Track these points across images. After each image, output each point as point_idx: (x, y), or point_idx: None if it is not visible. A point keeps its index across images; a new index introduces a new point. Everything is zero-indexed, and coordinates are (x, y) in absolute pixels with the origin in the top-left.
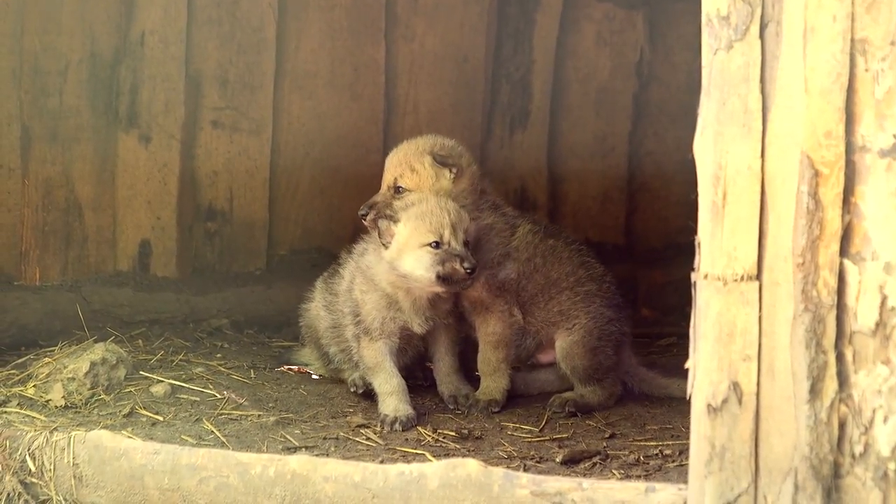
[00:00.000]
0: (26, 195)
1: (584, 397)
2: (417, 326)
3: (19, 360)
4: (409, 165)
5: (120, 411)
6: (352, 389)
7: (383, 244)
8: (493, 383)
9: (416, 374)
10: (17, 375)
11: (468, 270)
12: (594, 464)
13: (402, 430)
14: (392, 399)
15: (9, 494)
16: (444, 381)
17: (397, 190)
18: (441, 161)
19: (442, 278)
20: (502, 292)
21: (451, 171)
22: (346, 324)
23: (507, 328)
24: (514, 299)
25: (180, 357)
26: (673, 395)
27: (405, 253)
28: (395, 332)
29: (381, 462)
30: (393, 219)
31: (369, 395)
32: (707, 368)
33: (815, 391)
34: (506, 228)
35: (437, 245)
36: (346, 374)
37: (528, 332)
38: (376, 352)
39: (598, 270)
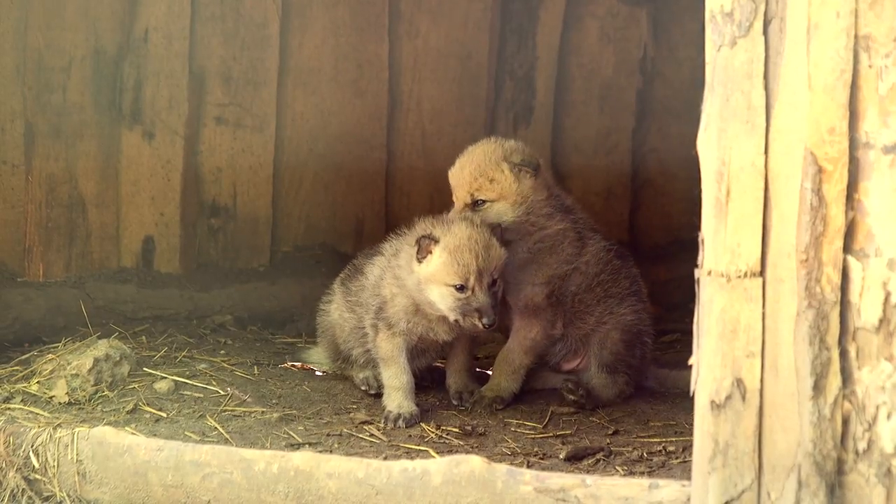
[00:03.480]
0: (30, 191)
1: (595, 387)
2: (444, 334)
3: (23, 357)
4: (488, 177)
5: (123, 408)
6: (362, 388)
7: (418, 259)
8: (504, 383)
9: (424, 376)
10: (21, 372)
11: (486, 326)
12: (598, 460)
13: (406, 427)
14: (398, 394)
15: (12, 491)
16: (454, 377)
17: (477, 204)
18: (520, 166)
19: (461, 324)
20: (559, 302)
21: (531, 175)
22: (366, 314)
23: (545, 339)
24: (563, 312)
25: (184, 353)
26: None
27: (432, 283)
28: (417, 334)
29: (385, 458)
30: (434, 239)
31: (380, 396)
32: (710, 365)
33: (818, 388)
34: (576, 239)
35: (462, 289)
36: (355, 372)
37: (567, 338)
38: (394, 346)
39: (644, 291)
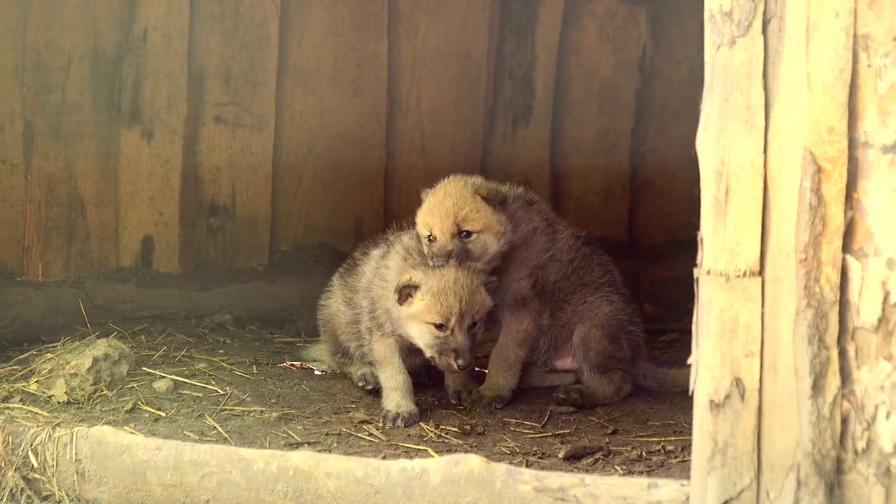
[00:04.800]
0: (29, 191)
1: (590, 388)
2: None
3: (22, 356)
4: (472, 207)
5: (122, 407)
6: (360, 384)
7: (398, 301)
8: (502, 380)
9: (422, 373)
10: (20, 371)
11: (460, 367)
12: (597, 460)
13: (404, 427)
14: (396, 394)
15: (11, 490)
16: (452, 376)
17: (466, 234)
18: (489, 199)
19: (436, 362)
20: (543, 292)
21: (504, 207)
22: (362, 317)
23: (536, 328)
24: (548, 302)
25: (183, 353)
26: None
27: (414, 320)
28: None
29: (384, 458)
30: (415, 287)
31: (377, 392)
32: (710, 364)
33: (817, 387)
34: (546, 228)
35: (442, 327)
36: (354, 369)
37: (548, 331)
38: (386, 347)
39: (619, 279)
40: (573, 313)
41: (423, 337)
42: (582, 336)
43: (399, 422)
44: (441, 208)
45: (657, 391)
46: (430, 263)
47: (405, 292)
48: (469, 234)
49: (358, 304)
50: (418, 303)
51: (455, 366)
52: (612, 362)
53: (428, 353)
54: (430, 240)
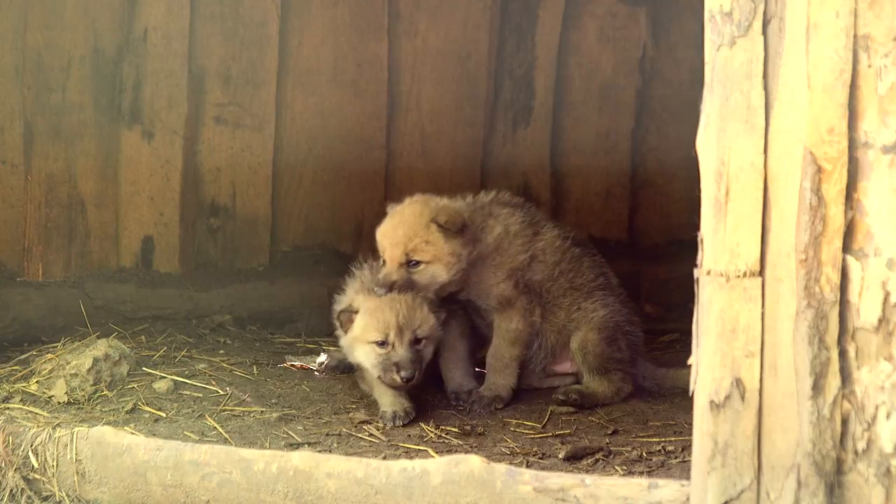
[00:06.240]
0: (29, 191)
1: (590, 388)
2: None
3: (22, 357)
4: (423, 238)
5: (123, 407)
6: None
7: (343, 331)
8: (501, 380)
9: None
10: (20, 371)
11: (404, 380)
12: (597, 460)
13: (403, 426)
14: (388, 393)
15: (11, 490)
16: (449, 376)
17: (414, 264)
18: (445, 228)
19: (383, 380)
20: (527, 291)
21: (458, 236)
22: None
23: (526, 326)
24: (537, 299)
25: (183, 353)
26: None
27: (357, 342)
28: None
29: (384, 458)
30: (354, 311)
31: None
32: (710, 365)
33: (817, 387)
34: (525, 228)
35: (383, 344)
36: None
37: (542, 335)
38: None
39: (614, 280)
40: (568, 319)
41: (368, 358)
42: (579, 341)
43: (397, 420)
44: (393, 235)
45: (657, 392)
46: (374, 291)
47: (345, 318)
48: (418, 263)
49: None
50: (357, 325)
51: (398, 379)
52: (611, 364)
53: (375, 374)
54: (382, 263)
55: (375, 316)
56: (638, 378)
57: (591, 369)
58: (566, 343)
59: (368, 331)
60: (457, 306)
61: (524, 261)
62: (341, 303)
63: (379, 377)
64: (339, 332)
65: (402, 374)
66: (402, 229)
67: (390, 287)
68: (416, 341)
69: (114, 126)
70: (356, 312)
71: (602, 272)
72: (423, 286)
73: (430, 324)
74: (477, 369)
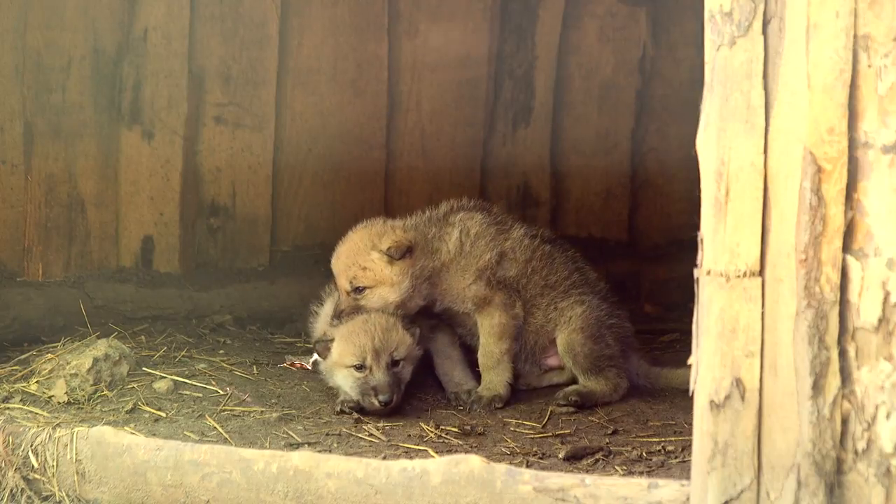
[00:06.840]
0: (29, 191)
1: (588, 388)
2: None
3: (22, 357)
4: (360, 265)
5: (123, 407)
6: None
7: (321, 357)
8: (495, 377)
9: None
10: (20, 371)
11: (382, 404)
12: (597, 460)
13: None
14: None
15: (11, 490)
16: (447, 379)
17: (358, 290)
18: (388, 252)
19: (362, 404)
20: (503, 287)
21: (404, 258)
22: None
23: (510, 319)
24: (516, 294)
25: (183, 353)
26: (680, 386)
27: (336, 368)
28: None
29: (384, 458)
30: (329, 340)
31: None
32: (710, 365)
33: (817, 387)
34: (488, 228)
35: (361, 368)
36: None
37: (528, 331)
38: None
39: (591, 276)
40: (546, 320)
41: (347, 382)
42: (564, 344)
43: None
44: (337, 264)
45: (654, 391)
46: (331, 322)
47: (321, 348)
48: (362, 289)
49: None
50: (335, 351)
51: (376, 403)
52: (602, 361)
53: (355, 398)
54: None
55: (351, 341)
56: (632, 375)
57: (584, 370)
58: (549, 342)
59: (345, 356)
60: (437, 321)
61: (491, 259)
62: (316, 328)
63: (358, 401)
64: (317, 357)
65: (380, 398)
66: (343, 258)
67: (339, 316)
68: (393, 363)
69: (114, 126)
70: (332, 341)
71: (577, 268)
72: (374, 310)
73: (406, 344)
74: (477, 369)
